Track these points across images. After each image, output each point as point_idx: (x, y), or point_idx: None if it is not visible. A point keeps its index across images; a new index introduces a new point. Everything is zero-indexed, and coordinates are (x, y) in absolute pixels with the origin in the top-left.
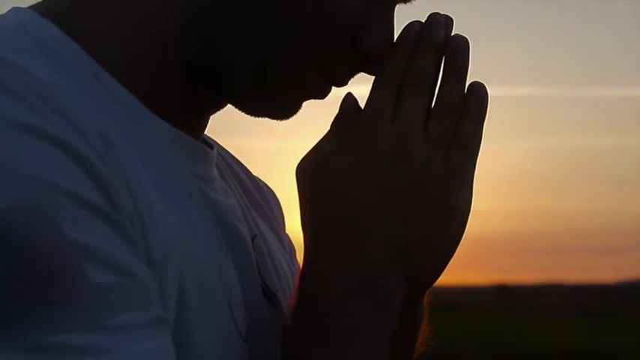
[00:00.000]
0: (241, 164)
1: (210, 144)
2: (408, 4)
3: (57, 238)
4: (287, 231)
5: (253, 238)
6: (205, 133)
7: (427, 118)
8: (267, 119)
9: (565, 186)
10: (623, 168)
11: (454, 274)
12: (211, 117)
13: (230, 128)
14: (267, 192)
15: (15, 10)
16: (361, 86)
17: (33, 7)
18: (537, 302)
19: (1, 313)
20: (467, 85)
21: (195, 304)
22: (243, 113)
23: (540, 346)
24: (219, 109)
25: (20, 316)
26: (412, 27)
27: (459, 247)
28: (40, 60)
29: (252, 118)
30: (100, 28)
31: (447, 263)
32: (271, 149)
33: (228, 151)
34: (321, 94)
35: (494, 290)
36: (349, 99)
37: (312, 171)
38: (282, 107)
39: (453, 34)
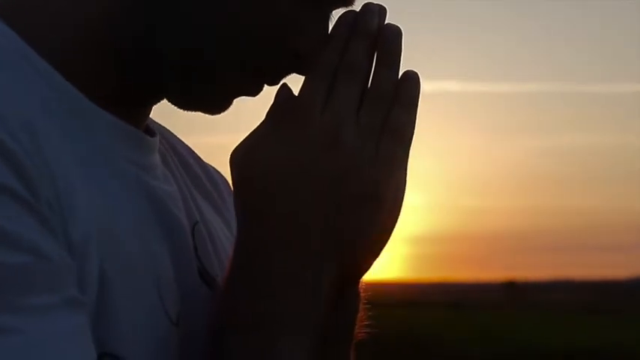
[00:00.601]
0: (192, 152)
1: (153, 131)
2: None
3: None
4: None
5: (195, 224)
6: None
7: (360, 106)
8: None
9: (573, 183)
10: (631, 165)
11: (463, 271)
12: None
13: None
14: (218, 179)
15: None
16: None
17: None
18: (546, 299)
19: None
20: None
21: (118, 287)
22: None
23: (549, 343)
24: (158, 100)
25: None
26: (346, 17)
27: (468, 244)
28: None
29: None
30: (39, 17)
31: (380, 251)
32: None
33: (179, 140)
34: (253, 92)
35: (502, 287)
36: (284, 89)
37: (244, 160)
38: (211, 103)
39: (386, 23)
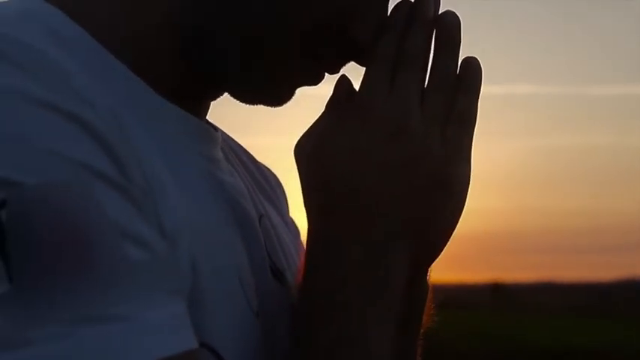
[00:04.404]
0: (244, 149)
1: (214, 126)
2: None
3: (96, 217)
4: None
5: (260, 217)
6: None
7: (422, 94)
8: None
9: (560, 184)
10: (619, 166)
11: (449, 272)
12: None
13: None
14: (270, 176)
15: None
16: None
17: None
18: (533, 300)
19: (42, 290)
20: (460, 60)
21: (206, 279)
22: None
23: (536, 344)
24: (219, 96)
25: (62, 292)
26: (402, 5)
27: (455, 245)
28: (51, 44)
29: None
30: (102, 14)
31: (448, 237)
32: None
33: (230, 137)
34: (314, 80)
35: (489, 288)
36: (343, 80)
37: (311, 151)
38: (274, 93)
39: (444, 10)
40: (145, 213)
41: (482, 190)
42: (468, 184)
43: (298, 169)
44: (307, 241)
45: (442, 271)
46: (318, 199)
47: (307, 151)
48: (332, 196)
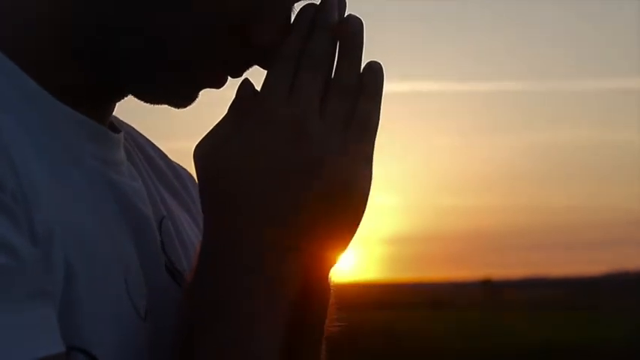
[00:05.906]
0: (158, 150)
1: (117, 128)
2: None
3: None
4: None
5: (161, 219)
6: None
7: (324, 98)
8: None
9: (549, 181)
10: (606, 163)
11: (440, 270)
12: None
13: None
14: (185, 176)
15: None
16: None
17: None
18: (523, 296)
19: None
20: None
21: (84, 280)
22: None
23: (526, 340)
24: (122, 97)
25: None
26: (306, 9)
27: (441, 242)
28: None
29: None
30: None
31: (348, 241)
32: None
33: (146, 138)
34: (217, 84)
35: (479, 285)
36: (246, 84)
37: (208, 154)
38: (177, 95)
39: (346, 14)
40: (15, 218)
41: (474, 188)
42: (369, 189)
43: (195, 170)
44: (201, 242)
45: (432, 268)
46: (212, 202)
47: (204, 155)
48: (228, 203)
